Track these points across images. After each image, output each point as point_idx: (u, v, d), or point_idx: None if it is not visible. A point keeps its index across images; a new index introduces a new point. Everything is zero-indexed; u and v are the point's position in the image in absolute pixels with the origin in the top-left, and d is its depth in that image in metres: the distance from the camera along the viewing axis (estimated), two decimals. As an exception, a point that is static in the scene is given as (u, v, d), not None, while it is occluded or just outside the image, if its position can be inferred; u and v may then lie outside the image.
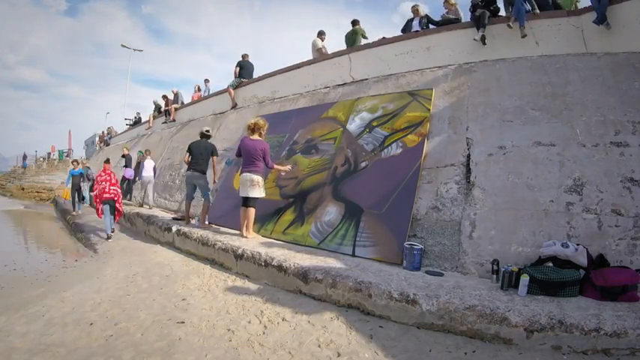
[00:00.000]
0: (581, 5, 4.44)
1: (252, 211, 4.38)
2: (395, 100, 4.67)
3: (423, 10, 5.73)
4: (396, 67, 5.20)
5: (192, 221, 5.39)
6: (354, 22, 6.68)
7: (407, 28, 5.68)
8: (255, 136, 4.46)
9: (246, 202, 4.41)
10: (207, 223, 5.18)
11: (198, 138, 5.40)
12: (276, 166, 4.56)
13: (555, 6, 4.40)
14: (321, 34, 7.08)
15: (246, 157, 4.39)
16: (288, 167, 4.66)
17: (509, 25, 4.18)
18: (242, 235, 4.43)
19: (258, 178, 4.31)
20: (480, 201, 3.44)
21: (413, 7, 5.81)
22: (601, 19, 3.69)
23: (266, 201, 4.94)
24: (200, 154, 5.14)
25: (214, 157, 5.24)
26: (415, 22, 5.65)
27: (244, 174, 4.37)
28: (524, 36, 4.11)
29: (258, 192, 4.32)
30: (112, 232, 5.95)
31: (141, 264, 4.36)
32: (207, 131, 5.48)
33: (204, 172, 5.13)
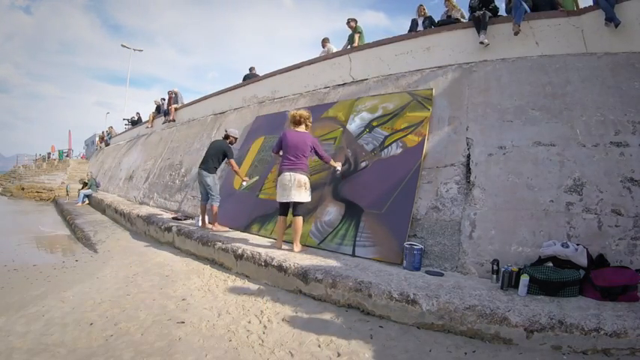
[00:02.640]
0: (581, 5, 4.43)
1: (300, 220, 3.72)
2: (395, 100, 4.67)
3: (427, 10, 5.72)
4: (396, 67, 5.20)
5: (208, 225, 5.04)
6: (353, 21, 6.71)
7: (413, 28, 5.67)
8: (302, 129, 3.86)
9: (287, 208, 3.83)
10: (216, 225, 4.94)
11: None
12: (332, 162, 4.02)
13: (552, 6, 4.39)
14: (325, 41, 7.17)
15: (291, 153, 3.70)
16: (339, 164, 4.15)
17: (516, 32, 4.15)
18: (279, 247, 3.82)
19: (305, 179, 3.69)
20: (480, 201, 3.44)
21: (419, 6, 5.80)
22: (611, 18, 3.67)
23: (266, 201, 4.95)
24: (210, 152, 5.01)
25: (231, 161, 4.93)
26: (420, 21, 5.65)
27: (286, 173, 3.67)
28: (516, 33, 4.10)
29: (305, 195, 3.68)
30: None
31: (141, 264, 4.35)
32: (226, 130, 5.30)
33: (210, 171, 4.96)
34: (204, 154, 5.15)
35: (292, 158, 3.70)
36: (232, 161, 4.99)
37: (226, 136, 5.23)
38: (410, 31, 5.66)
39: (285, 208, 3.84)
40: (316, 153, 3.82)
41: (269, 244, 4.10)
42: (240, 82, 8.51)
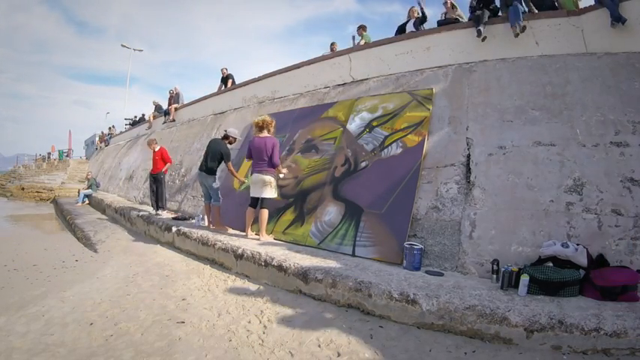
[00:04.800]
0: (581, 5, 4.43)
1: (265, 213, 4.29)
2: (395, 100, 4.67)
3: (419, 11, 5.69)
4: (396, 67, 5.20)
5: (211, 226, 5.07)
6: (362, 28, 6.71)
7: (401, 31, 5.67)
8: (264, 134, 4.35)
9: (256, 202, 4.35)
10: (218, 225, 4.97)
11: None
12: (279, 168, 4.37)
13: (553, 6, 4.39)
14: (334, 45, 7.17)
15: (256, 157, 4.27)
16: (284, 170, 4.57)
17: (516, 34, 4.16)
18: (246, 236, 4.42)
19: (269, 179, 4.24)
20: (480, 201, 3.44)
21: (410, 9, 5.78)
22: (617, 18, 3.65)
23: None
24: (210, 153, 5.00)
25: (228, 164, 4.90)
26: (409, 24, 5.64)
27: (255, 175, 4.28)
28: (517, 35, 4.10)
29: (270, 192, 4.25)
30: None
31: (141, 264, 4.36)
32: (225, 130, 5.23)
33: (211, 172, 4.97)
34: (203, 154, 5.16)
35: (258, 161, 4.26)
36: (229, 164, 4.94)
37: (225, 137, 5.16)
38: (397, 34, 5.64)
39: (255, 201, 4.37)
40: (271, 155, 4.21)
41: (269, 244, 4.10)
42: (224, 82, 8.73)
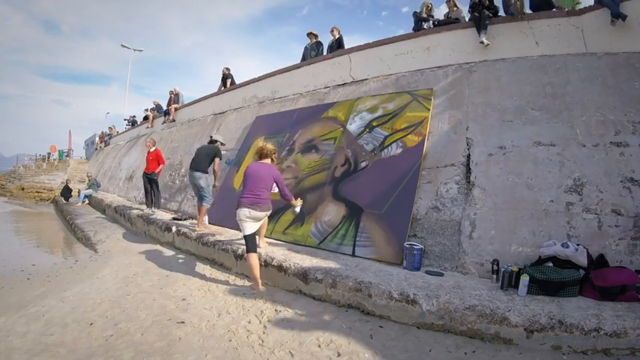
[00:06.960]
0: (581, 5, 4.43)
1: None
2: (395, 100, 4.67)
3: (434, 9, 5.64)
4: (396, 67, 5.20)
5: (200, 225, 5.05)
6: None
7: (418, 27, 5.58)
8: (267, 161, 3.60)
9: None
10: (205, 224, 5.04)
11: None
12: (292, 201, 3.77)
13: (553, 5, 4.38)
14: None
15: (250, 187, 3.40)
16: (299, 203, 3.84)
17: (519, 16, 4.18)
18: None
19: (264, 215, 3.49)
20: (480, 201, 3.44)
21: (425, 4, 5.69)
22: (617, 14, 3.64)
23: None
24: (200, 154, 5.09)
25: (217, 160, 5.11)
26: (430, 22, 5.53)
27: (244, 209, 3.32)
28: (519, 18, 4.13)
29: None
30: None
31: (141, 264, 4.36)
32: (211, 137, 5.50)
33: (203, 172, 4.99)
34: (193, 157, 5.18)
35: (256, 192, 3.33)
36: (217, 160, 5.13)
37: (215, 141, 5.35)
38: (415, 30, 5.56)
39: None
40: (278, 187, 3.51)
41: (270, 244, 4.10)
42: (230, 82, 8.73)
